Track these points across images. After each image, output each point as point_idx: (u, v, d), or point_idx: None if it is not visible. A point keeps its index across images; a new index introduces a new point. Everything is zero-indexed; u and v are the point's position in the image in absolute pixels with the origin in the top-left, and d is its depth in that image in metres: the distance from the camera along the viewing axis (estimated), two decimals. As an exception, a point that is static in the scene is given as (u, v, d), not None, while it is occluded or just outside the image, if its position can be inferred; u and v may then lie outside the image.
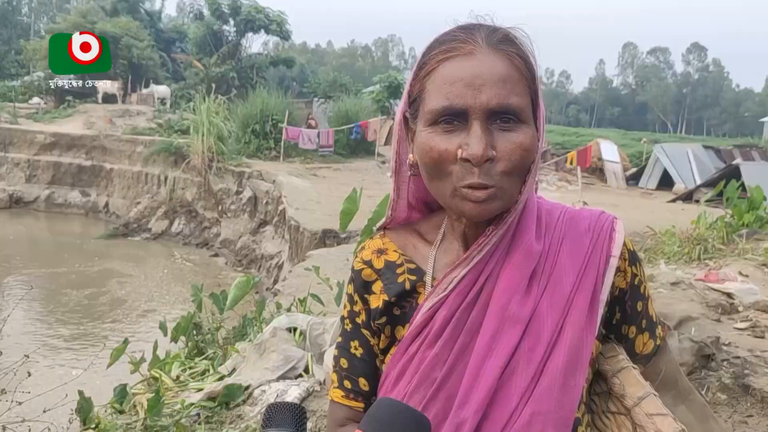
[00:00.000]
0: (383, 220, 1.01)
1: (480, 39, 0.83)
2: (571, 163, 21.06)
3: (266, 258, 14.20)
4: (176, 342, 5.07)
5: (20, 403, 3.10)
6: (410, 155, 0.92)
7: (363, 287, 0.97)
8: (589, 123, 77.56)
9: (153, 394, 3.53)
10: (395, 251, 0.96)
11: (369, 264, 0.97)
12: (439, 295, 0.87)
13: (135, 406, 3.87)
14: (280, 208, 14.31)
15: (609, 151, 24.53)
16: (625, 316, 0.94)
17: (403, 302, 0.93)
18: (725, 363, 3.48)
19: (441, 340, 0.85)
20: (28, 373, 3.09)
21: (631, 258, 0.92)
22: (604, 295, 0.89)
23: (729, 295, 4.95)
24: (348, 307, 0.99)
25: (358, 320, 0.97)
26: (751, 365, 3.48)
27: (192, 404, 3.60)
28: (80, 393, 3.54)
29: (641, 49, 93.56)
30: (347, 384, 0.97)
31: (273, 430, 0.73)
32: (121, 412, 3.85)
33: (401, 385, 0.87)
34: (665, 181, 22.88)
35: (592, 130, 48.99)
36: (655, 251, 9.61)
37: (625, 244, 0.91)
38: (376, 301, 0.95)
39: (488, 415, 0.81)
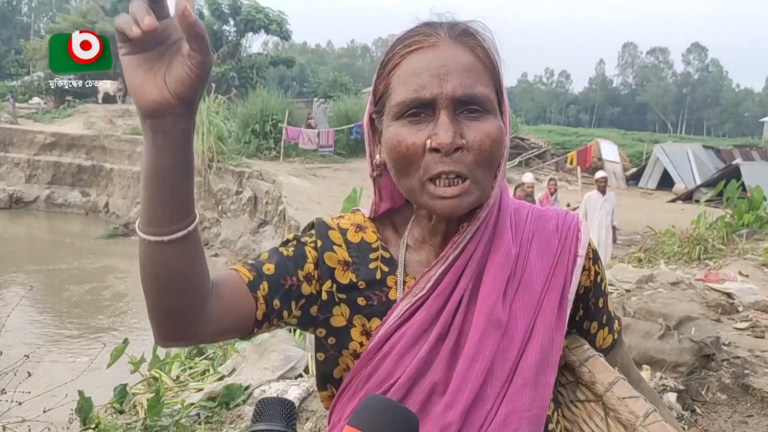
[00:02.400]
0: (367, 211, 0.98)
1: (442, 32, 0.84)
2: (571, 163, 21.06)
3: (266, 258, 14.20)
4: (176, 342, 5.06)
5: (20, 403, 3.10)
6: (377, 156, 0.91)
7: (324, 236, 0.92)
8: (589, 123, 77.60)
9: (153, 394, 3.53)
10: (374, 232, 0.94)
11: (342, 232, 0.93)
12: (416, 296, 0.85)
13: (135, 406, 3.87)
14: (280, 208, 14.32)
15: (609, 151, 24.54)
16: (587, 312, 0.97)
17: (370, 293, 0.89)
18: (725, 363, 3.48)
19: (427, 344, 0.83)
20: (28, 373, 3.08)
21: (594, 257, 0.94)
22: (572, 294, 0.90)
23: (729, 295, 4.95)
24: (300, 235, 0.94)
25: (306, 248, 0.91)
26: (751, 365, 3.48)
27: (192, 404, 3.60)
28: (80, 393, 3.54)
29: (641, 50, 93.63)
30: (251, 262, 0.91)
31: (263, 424, 0.73)
32: (121, 412, 3.85)
33: (372, 382, 0.85)
34: (665, 181, 22.88)
35: (592, 130, 48.98)
36: (655, 251, 9.63)
37: (589, 244, 0.93)
38: (333, 261, 0.90)
39: (468, 416, 0.81)
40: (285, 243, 0.94)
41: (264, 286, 0.86)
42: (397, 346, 0.84)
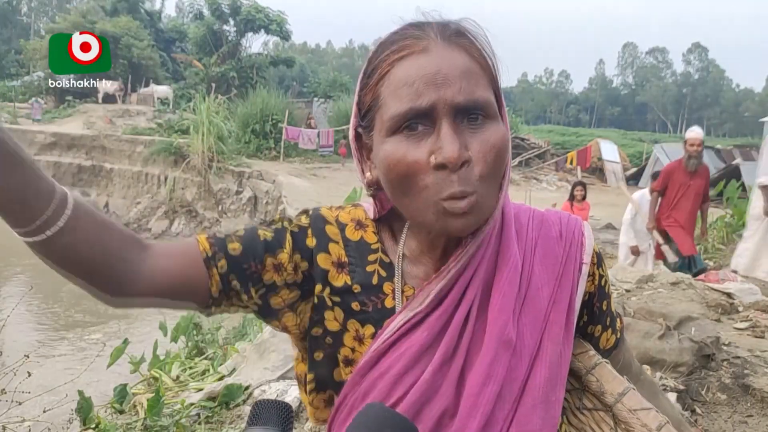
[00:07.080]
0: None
1: (433, 34, 0.76)
2: (571, 163, 21.09)
3: (266, 258, 14.21)
4: (176, 342, 5.08)
5: (20, 403, 3.10)
6: (367, 173, 0.83)
7: (320, 233, 0.85)
8: (589, 123, 77.71)
9: (153, 394, 3.53)
10: (374, 233, 0.87)
11: (341, 227, 0.86)
12: (414, 310, 0.79)
13: (135, 406, 3.87)
14: (280, 208, 14.33)
15: (609, 151, 24.58)
16: (592, 317, 0.93)
17: (365, 298, 0.83)
18: (725, 363, 3.48)
19: (431, 366, 0.77)
20: (28, 373, 3.08)
21: (598, 261, 0.90)
22: (578, 305, 0.87)
23: (729, 295, 4.95)
24: (288, 222, 0.88)
25: (287, 236, 0.85)
26: (751, 365, 3.48)
27: (192, 404, 3.60)
28: (80, 393, 3.54)
29: (641, 50, 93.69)
30: (218, 236, 0.85)
31: (259, 428, 0.73)
32: (121, 412, 3.85)
33: (370, 401, 0.79)
34: (665, 181, 22.88)
35: (592, 130, 49.08)
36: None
37: (593, 247, 0.89)
38: (327, 263, 0.84)
39: None
40: (269, 224, 0.89)
41: (223, 264, 0.81)
42: (395, 366, 0.78)
